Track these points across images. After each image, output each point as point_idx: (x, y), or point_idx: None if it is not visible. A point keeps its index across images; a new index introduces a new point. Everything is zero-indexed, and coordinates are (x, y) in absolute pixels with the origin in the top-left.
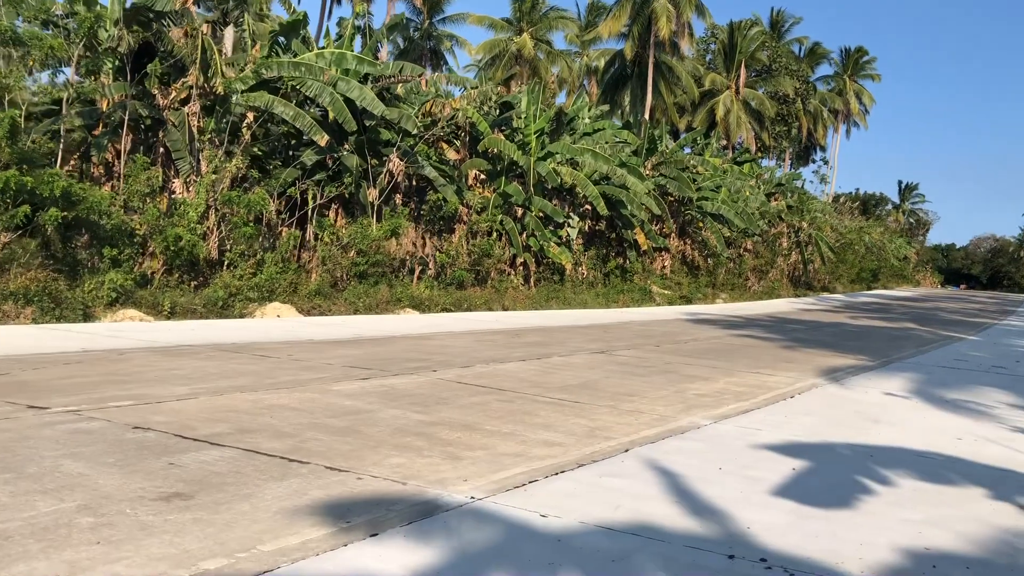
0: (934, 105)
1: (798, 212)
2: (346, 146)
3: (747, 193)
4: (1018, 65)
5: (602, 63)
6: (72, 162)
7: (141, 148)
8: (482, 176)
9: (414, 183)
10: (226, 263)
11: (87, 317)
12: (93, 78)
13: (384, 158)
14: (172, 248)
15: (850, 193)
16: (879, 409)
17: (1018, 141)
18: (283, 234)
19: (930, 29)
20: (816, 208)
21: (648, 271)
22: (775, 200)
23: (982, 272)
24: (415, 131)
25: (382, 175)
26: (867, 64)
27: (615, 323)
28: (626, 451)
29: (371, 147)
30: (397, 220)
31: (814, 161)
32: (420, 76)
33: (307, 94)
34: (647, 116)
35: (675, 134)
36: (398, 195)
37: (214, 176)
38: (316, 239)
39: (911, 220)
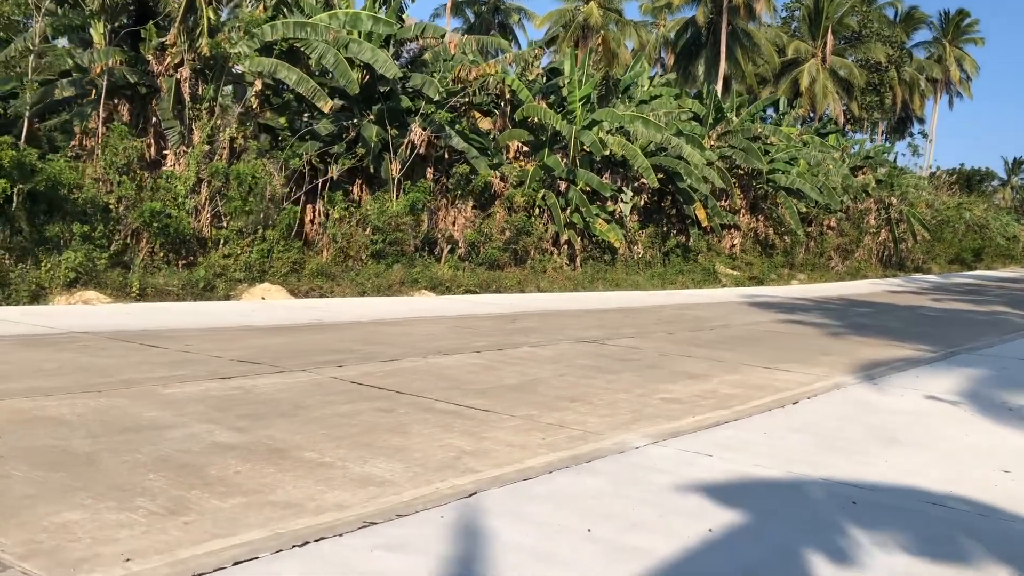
0: None
1: (888, 187)
2: (370, 116)
3: (829, 166)
4: None
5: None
6: (37, 131)
7: (140, 120)
8: (524, 148)
9: (445, 155)
10: (221, 241)
11: (35, 299)
12: (78, 44)
13: (407, 129)
14: (155, 225)
15: (953, 169)
16: (907, 421)
17: None
18: (288, 209)
19: None
20: (909, 183)
21: (714, 250)
22: (862, 174)
23: None
24: (437, 97)
25: (403, 146)
26: (969, 28)
27: (651, 306)
28: (470, 495)
29: (392, 116)
30: (416, 194)
31: (911, 134)
32: (442, 37)
33: (311, 56)
34: (720, 85)
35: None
36: (429, 169)
37: (207, 147)
38: (326, 215)
39: (1021, 196)
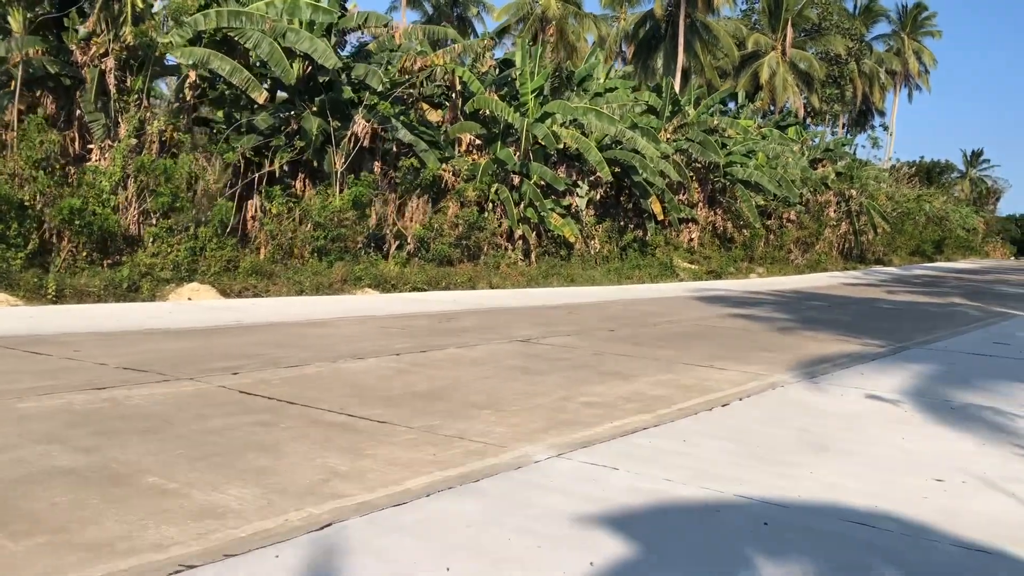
0: (1002, 64)
1: (847, 179)
2: (312, 108)
3: (788, 159)
4: None
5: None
6: None
7: (64, 113)
8: (477, 142)
9: (394, 148)
10: (150, 239)
11: None
12: None
13: (351, 121)
14: (76, 223)
15: (913, 161)
16: (841, 425)
17: None
18: (220, 205)
19: None
20: (869, 175)
21: (672, 244)
22: (822, 167)
23: None
24: (380, 88)
25: (345, 139)
26: (927, 21)
27: (600, 302)
28: (323, 527)
29: (335, 108)
30: (360, 188)
31: (872, 127)
32: (386, 26)
33: (246, 45)
34: (678, 78)
35: (722, 101)
36: (377, 162)
37: (133, 141)
38: (263, 211)
39: (979, 189)
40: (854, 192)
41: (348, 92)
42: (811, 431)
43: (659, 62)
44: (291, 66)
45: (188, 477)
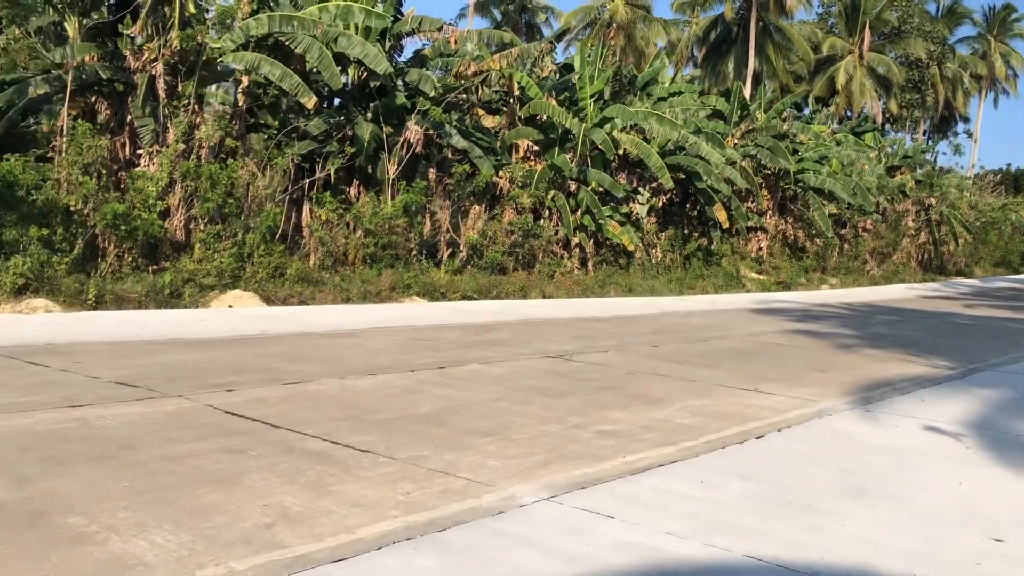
0: None
1: (927, 187)
2: (367, 114)
3: (864, 166)
4: None
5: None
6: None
7: (115, 119)
8: (534, 148)
9: (448, 155)
10: (196, 245)
11: None
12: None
13: (404, 127)
14: (122, 228)
15: (999, 169)
16: (890, 462)
17: None
18: (268, 211)
19: None
20: (950, 183)
21: (739, 253)
22: (900, 174)
23: None
24: (433, 93)
25: (398, 145)
26: (1015, 23)
27: (654, 313)
28: None
29: (388, 113)
30: (411, 195)
31: (955, 133)
32: (439, 30)
33: (296, 51)
34: (749, 82)
35: (795, 106)
36: (432, 169)
37: (181, 146)
38: (313, 217)
39: None
40: (934, 201)
41: (401, 98)
42: (853, 470)
43: (730, 66)
44: (345, 71)
45: (116, 517)
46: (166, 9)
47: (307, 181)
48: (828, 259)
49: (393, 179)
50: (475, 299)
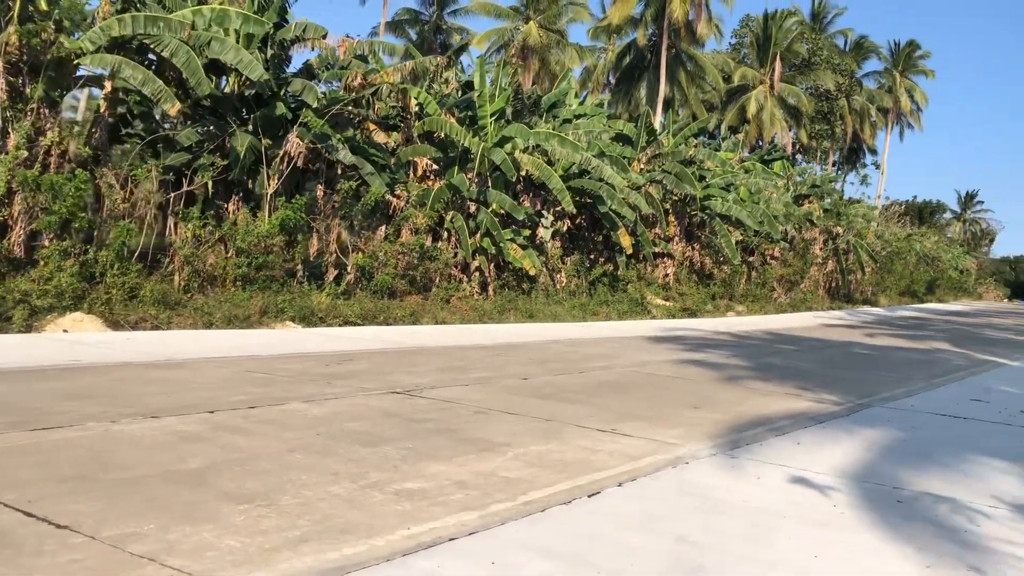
0: (996, 105)
1: (834, 216)
2: (248, 126)
3: (771, 194)
4: None
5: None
6: None
7: None
8: (434, 167)
9: (338, 171)
10: (40, 263)
11: None
12: None
13: (285, 139)
14: None
15: (905, 201)
16: (741, 528)
17: None
18: (118, 227)
19: (987, 25)
20: (857, 212)
21: (645, 279)
22: (808, 203)
23: None
24: (316, 104)
25: (277, 158)
26: (920, 59)
27: (542, 341)
28: None
29: (269, 125)
30: (288, 212)
31: (863, 165)
32: (324, 37)
33: (163, 54)
34: (660, 108)
35: (704, 133)
36: (320, 186)
37: (24, 153)
38: (178, 234)
39: (973, 230)
40: (841, 229)
41: (282, 108)
42: (693, 540)
43: (642, 92)
44: (215, 78)
45: None
46: (10, 2)
47: (173, 195)
48: (735, 286)
49: (272, 195)
50: (358, 325)
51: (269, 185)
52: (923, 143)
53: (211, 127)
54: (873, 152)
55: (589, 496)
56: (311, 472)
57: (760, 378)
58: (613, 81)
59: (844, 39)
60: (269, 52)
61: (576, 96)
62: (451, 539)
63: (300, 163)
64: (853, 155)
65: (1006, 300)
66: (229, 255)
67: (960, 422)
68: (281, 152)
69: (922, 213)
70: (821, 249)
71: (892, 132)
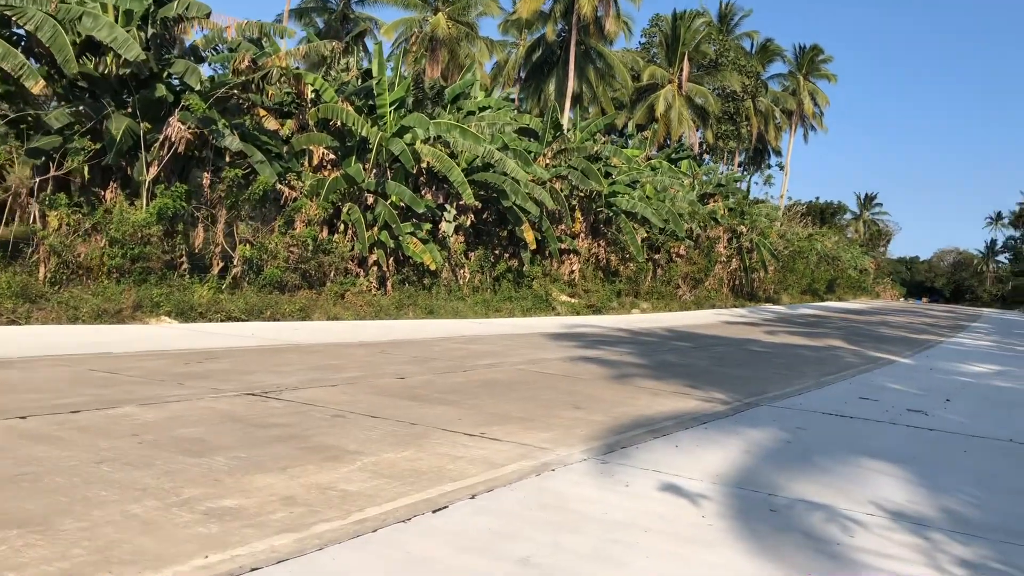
0: (894, 111)
1: (738, 215)
2: (126, 109)
3: (676, 192)
4: (976, 73)
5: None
6: None
7: None
8: (330, 156)
9: (226, 159)
10: None
11: None
12: None
13: (166, 124)
14: None
15: (809, 201)
16: (596, 544)
17: (983, 151)
18: None
19: (888, 31)
20: (760, 212)
21: (551, 275)
22: (713, 202)
23: (945, 286)
24: (199, 87)
25: (157, 143)
26: (823, 63)
27: (433, 338)
28: None
29: (148, 108)
30: (167, 200)
31: (769, 166)
32: (207, 16)
33: (27, 28)
34: (568, 104)
35: (614, 131)
36: (206, 174)
37: None
38: (44, 222)
39: (872, 231)
40: (744, 228)
41: (162, 90)
42: (538, 562)
43: (551, 88)
44: (96, 58)
45: None
46: None
47: (38, 180)
48: (641, 283)
49: (152, 182)
50: (242, 321)
51: (148, 172)
52: (825, 145)
53: (83, 108)
54: (778, 153)
55: (434, 511)
56: (114, 488)
57: (652, 376)
58: (523, 76)
59: (751, 41)
60: (150, 31)
61: (484, 89)
62: (253, 569)
63: (181, 149)
64: (758, 156)
65: (902, 299)
66: (102, 245)
67: (846, 421)
68: (161, 137)
69: (823, 214)
70: (725, 247)
71: (796, 134)
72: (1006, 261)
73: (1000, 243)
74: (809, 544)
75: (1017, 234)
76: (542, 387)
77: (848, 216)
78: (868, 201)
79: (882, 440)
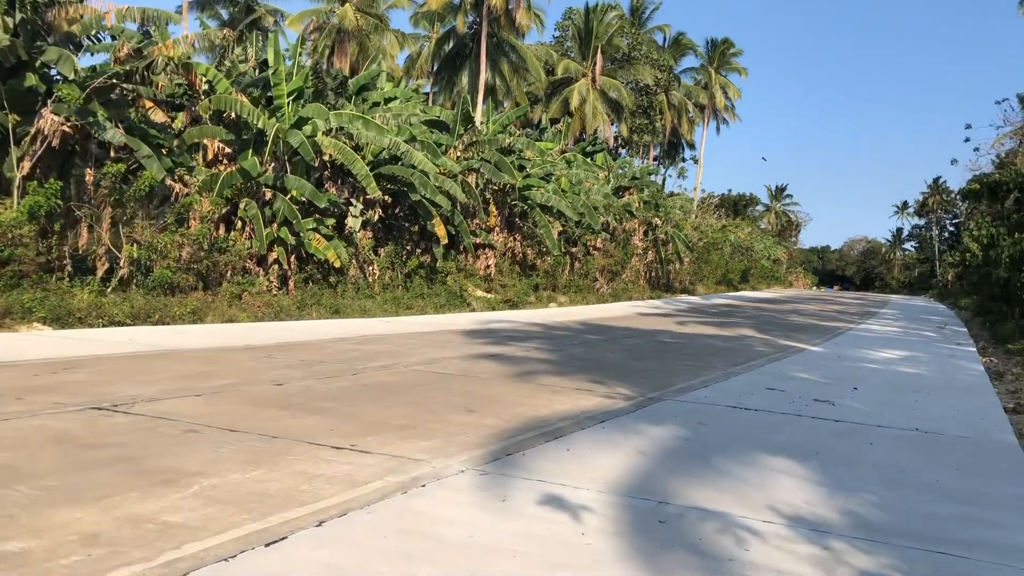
0: (802, 103)
1: (653, 208)
2: None
3: (591, 185)
4: (881, 64)
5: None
6: None
7: None
8: (226, 150)
9: (111, 152)
10: None
11: None
12: None
13: (38, 116)
14: None
15: (722, 194)
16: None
17: (886, 141)
18: None
19: (795, 24)
20: (675, 204)
21: (466, 271)
22: (628, 195)
23: (856, 273)
24: (73, 76)
25: (27, 137)
26: (733, 57)
27: (329, 339)
28: None
29: (17, 99)
30: (38, 197)
31: (684, 159)
32: (81, 1)
33: None
34: (480, 97)
35: (530, 125)
36: (88, 169)
37: None
38: None
39: (783, 221)
40: (659, 221)
41: (32, 79)
42: None
43: (464, 80)
44: None
45: None
46: None
47: None
48: (558, 277)
49: (23, 179)
50: (128, 325)
51: (19, 167)
52: (737, 138)
53: None
54: (691, 146)
55: (268, 545)
56: None
57: (556, 372)
58: (436, 69)
59: (663, 35)
60: (19, 16)
61: (391, 81)
62: None
63: (56, 143)
64: (673, 149)
65: (814, 287)
66: None
67: (750, 415)
68: (33, 130)
69: (736, 205)
70: (641, 240)
71: (708, 127)
72: (912, 248)
73: (907, 231)
74: (698, 562)
75: (922, 222)
76: (435, 389)
77: (760, 208)
78: (779, 192)
79: (785, 434)
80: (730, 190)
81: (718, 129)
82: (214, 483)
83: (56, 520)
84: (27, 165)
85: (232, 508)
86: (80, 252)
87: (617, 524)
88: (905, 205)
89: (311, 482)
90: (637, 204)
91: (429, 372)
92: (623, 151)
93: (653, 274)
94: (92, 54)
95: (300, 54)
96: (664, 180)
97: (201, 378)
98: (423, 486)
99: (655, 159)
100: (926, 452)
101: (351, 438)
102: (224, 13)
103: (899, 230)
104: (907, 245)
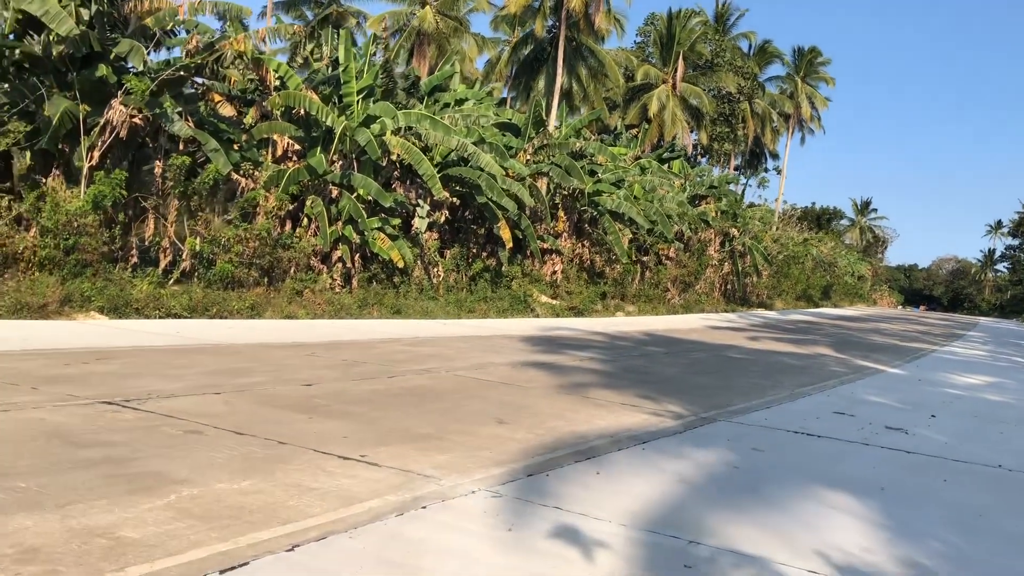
0: (893, 117)
1: (731, 218)
2: (68, 91)
3: (665, 192)
4: (978, 82)
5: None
6: None
7: None
8: (295, 147)
9: (180, 145)
10: None
11: None
12: None
13: (108, 107)
14: None
15: (805, 206)
16: None
17: (980, 159)
18: None
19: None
20: (754, 215)
21: (532, 276)
22: (705, 204)
23: (943, 294)
24: (142, 67)
25: (97, 128)
26: (821, 66)
27: (382, 340)
28: None
29: (90, 90)
30: (103, 188)
31: (766, 169)
32: None
33: None
34: (556, 100)
35: (607, 131)
36: (158, 162)
37: None
38: None
39: (868, 237)
40: (736, 231)
41: (104, 70)
42: None
43: (541, 84)
44: (36, 35)
45: None
46: None
47: None
48: (628, 286)
49: (91, 169)
50: (185, 318)
51: (89, 158)
52: (823, 149)
53: (17, 87)
54: (775, 156)
55: (224, 572)
56: None
57: (606, 385)
58: (513, 73)
59: (748, 43)
60: (94, 7)
61: (465, 83)
62: None
63: (123, 134)
64: (755, 159)
65: (899, 306)
66: (31, 235)
67: (812, 441)
68: (102, 121)
69: (819, 219)
70: (716, 251)
71: (793, 137)
72: (1005, 270)
73: (999, 252)
74: None
75: (1016, 243)
76: (470, 396)
77: (845, 222)
78: (864, 207)
79: (849, 465)
80: (813, 203)
81: (803, 139)
82: (194, 493)
83: (3, 529)
84: (96, 155)
85: (202, 524)
86: (145, 243)
87: (633, 566)
88: (999, 224)
89: (301, 497)
90: (714, 214)
91: (470, 377)
92: (703, 159)
93: (729, 286)
94: (168, 49)
95: (373, 52)
96: (744, 190)
97: (231, 375)
98: (423, 508)
99: (736, 168)
100: (1010, 494)
101: (363, 447)
102: (309, 14)
103: (991, 250)
104: (999, 266)
